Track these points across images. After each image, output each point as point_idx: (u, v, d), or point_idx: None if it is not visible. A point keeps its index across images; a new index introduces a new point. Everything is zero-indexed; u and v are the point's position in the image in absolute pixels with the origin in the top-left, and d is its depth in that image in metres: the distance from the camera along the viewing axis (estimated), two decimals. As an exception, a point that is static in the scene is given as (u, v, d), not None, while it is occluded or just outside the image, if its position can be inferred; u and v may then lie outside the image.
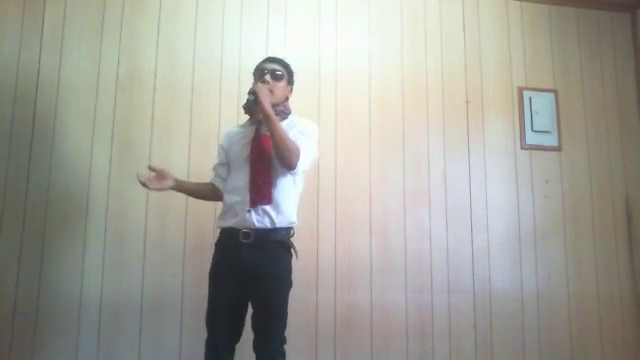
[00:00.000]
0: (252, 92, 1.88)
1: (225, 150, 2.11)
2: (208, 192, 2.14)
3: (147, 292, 2.55)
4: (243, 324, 1.98)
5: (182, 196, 2.40)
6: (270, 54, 2.83)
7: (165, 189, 2.02)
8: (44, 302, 2.46)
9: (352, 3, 3.01)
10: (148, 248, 2.58)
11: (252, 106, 1.90)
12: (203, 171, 2.65)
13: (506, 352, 2.85)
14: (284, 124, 1.99)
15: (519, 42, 3.19)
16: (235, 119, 2.72)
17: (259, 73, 2.03)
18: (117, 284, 2.53)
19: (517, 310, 2.91)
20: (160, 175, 2.01)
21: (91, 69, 2.67)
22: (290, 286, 1.97)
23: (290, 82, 2.10)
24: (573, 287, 2.99)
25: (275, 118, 1.86)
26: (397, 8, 3.07)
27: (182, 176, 2.64)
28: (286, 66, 2.08)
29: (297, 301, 2.61)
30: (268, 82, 1.98)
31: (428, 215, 2.90)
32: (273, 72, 2.01)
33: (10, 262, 2.46)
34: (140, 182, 1.96)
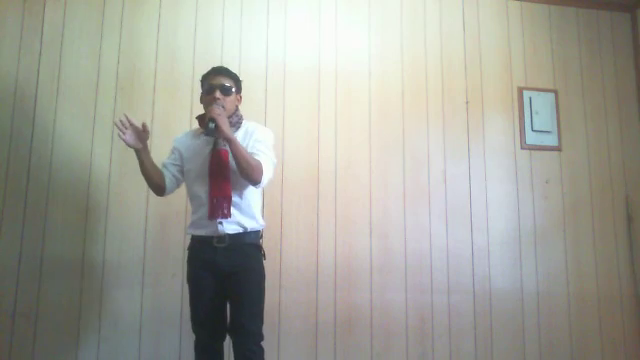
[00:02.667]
0: (211, 119, 1.88)
1: (181, 157, 2.11)
2: (156, 177, 2.06)
3: (147, 292, 2.55)
4: (226, 323, 2.02)
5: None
6: (270, 54, 2.86)
7: (131, 146, 1.95)
8: (44, 302, 2.46)
9: (352, 3, 3.01)
10: (148, 248, 2.58)
11: (213, 132, 1.90)
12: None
13: (506, 352, 2.85)
14: (240, 133, 2.06)
15: (519, 42, 3.19)
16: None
17: (207, 89, 2.04)
18: (117, 284, 2.53)
19: (517, 310, 2.91)
20: (137, 132, 1.95)
21: (91, 69, 2.67)
22: (263, 284, 2.03)
23: (238, 91, 2.12)
24: (573, 287, 2.99)
25: (236, 141, 1.89)
26: (397, 8, 3.07)
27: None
28: (233, 76, 2.09)
29: (297, 301, 2.63)
30: (219, 99, 1.99)
31: (428, 215, 2.90)
32: (222, 88, 2.02)
33: (10, 262, 2.46)
34: (115, 122, 1.95)
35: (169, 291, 2.56)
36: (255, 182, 1.94)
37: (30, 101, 2.59)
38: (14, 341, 2.41)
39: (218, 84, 2.02)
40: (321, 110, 2.86)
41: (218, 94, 2.00)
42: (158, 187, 2.08)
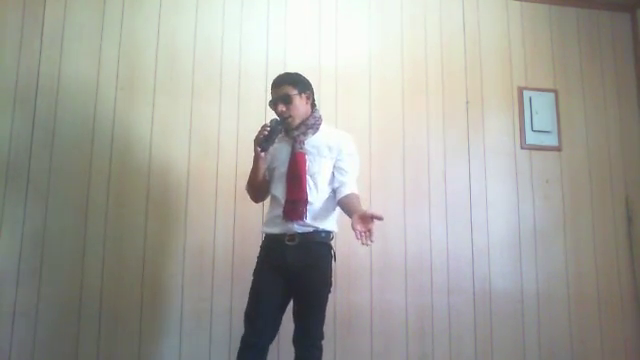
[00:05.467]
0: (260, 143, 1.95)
1: (267, 160, 2.10)
2: (265, 184, 2.10)
3: (147, 292, 2.55)
4: (279, 324, 2.02)
5: (182, 196, 2.41)
6: (270, 54, 2.85)
7: (265, 150, 1.97)
8: (44, 302, 2.46)
9: (352, 3, 3.01)
10: (148, 248, 2.58)
11: (266, 146, 1.96)
12: (203, 171, 2.66)
13: (506, 352, 2.85)
14: (316, 139, 2.05)
15: (519, 42, 3.18)
16: (235, 119, 2.72)
17: (272, 106, 2.05)
18: (117, 284, 2.53)
19: (517, 310, 2.90)
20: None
21: (91, 69, 2.66)
22: (330, 285, 2.05)
23: (304, 90, 2.06)
24: (573, 287, 2.99)
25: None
26: (397, 8, 3.07)
27: (182, 176, 2.65)
28: (292, 81, 2.05)
29: (297, 301, 2.63)
30: (284, 110, 2.00)
31: (428, 215, 2.89)
32: (282, 99, 2.01)
33: (10, 262, 2.46)
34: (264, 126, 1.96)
35: (169, 291, 2.56)
36: None
37: (30, 101, 2.59)
38: (14, 341, 2.41)
39: (277, 96, 2.03)
40: (321, 110, 2.85)
41: (281, 107, 2.00)
42: (265, 194, 2.14)
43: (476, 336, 2.83)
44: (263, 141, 1.94)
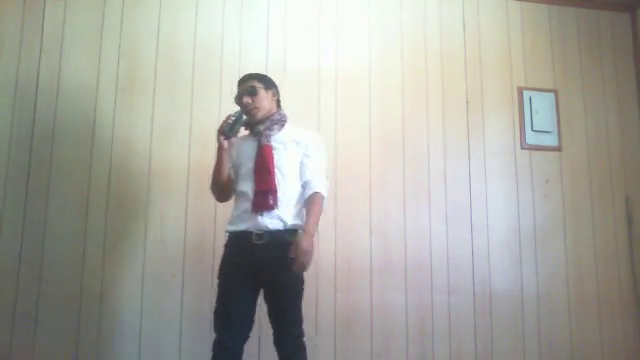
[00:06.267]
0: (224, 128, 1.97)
1: (231, 158, 2.11)
2: (229, 181, 2.11)
3: (147, 292, 2.55)
4: (252, 323, 2.01)
5: (182, 196, 2.41)
6: (270, 54, 2.86)
7: (229, 138, 1.99)
8: (44, 302, 2.46)
9: (352, 3, 3.01)
10: (148, 248, 2.58)
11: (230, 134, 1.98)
12: (203, 171, 2.65)
13: (506, 352, 2.85)
14: (282, 135, 2.06)
15: (519, 42, 3.18)
16: (235, 119, 2.72)
17: (237, 100, 2.07)
18: (117, 284, 2.53)
19: (517, 310, 2.90)
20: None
21: (91, 69, 2.67)
22: (303, 281, 2.03)
23: (269, 87, 2.11)
24: (573, 287, 2.99)
25: (312, 231, 1.94)
26: (397, 8, 3.07)
27: (182, 176, 2.65)
28: (259, 77, 2.11)
29: (297, 301, 2.63)
30: (249, 102, 2.03)
31: (428, 215, 2.89)
32: (247, 90, 2.04)
33: (10, 262, 2.46)
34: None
35: (169, 291, 2.56)
36: None
37: (30, 101, 2.59)
38: (14, 341, 2.41)
39: (242, 89, 2.06)
40: (321, 110, 2.86)
41: (246, 98, 2.03)
42: (229, 191, 2.11)
43: (476, 336, 2.83)
44: (227, 129, 1.95)
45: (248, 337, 2.00)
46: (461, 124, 3.02)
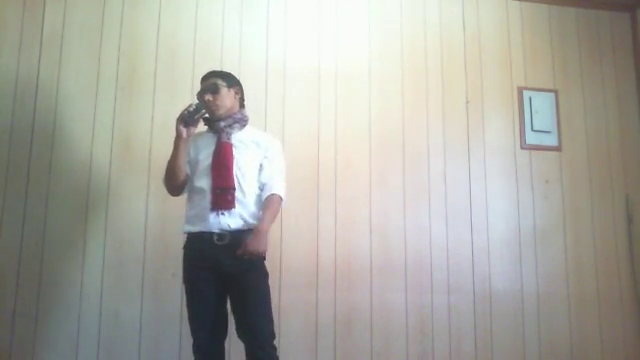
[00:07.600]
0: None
1: (189, 154, 2.09)
2: (182, 175, 2.04)
3: (147, 292, 2.55)
4: (227, 322, 2.01)
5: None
6: (270, 54, 2.86)
7: (189, 127, 1.97)
8: (44, 302, 2.46)
9: (352, 3, 3.01)
10: (148, 248, 2.58)
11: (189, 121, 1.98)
12: (203, 171, 2.65)
13: (506, 352, 2.85)
14: (242, 134, 2.06)
15: (519, 42, 3.18)
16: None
17: (199, 97, 2.06)
18: (117, 284, 2.53)
19: (517, 310, 2.90)
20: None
21: (91, 69, 2.66)
22: (268, 276, 2.02)
23: (232, 85, 2.10)
24: (573, 287, 2.99)
25: (268, 227, 1.94)
26: (397, 8, 3.07)
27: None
28: (222, 75, 2.10)
29: (297, 301, 2.63)
30: (210, 100, 2.01)
31: (428, 215, 2.89)
32: (209, 88, 2.03)
33: (10, 262, 2.46)
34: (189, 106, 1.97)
35: (169, 291, 2.56)
36: None
37: (30, 101, 2.59)
38: (14, 341, 2.41)
39: (205, 86, 2.05)
40: (321, 110, 2.86)
41: (208, 96, 2.02)
42: (182, 184, 2.06)
43: (476, 336, 2.83)
44: (187, 116, 1.93)
45: (226, 335, 2.01)
46: (461, 124, 3.02)
